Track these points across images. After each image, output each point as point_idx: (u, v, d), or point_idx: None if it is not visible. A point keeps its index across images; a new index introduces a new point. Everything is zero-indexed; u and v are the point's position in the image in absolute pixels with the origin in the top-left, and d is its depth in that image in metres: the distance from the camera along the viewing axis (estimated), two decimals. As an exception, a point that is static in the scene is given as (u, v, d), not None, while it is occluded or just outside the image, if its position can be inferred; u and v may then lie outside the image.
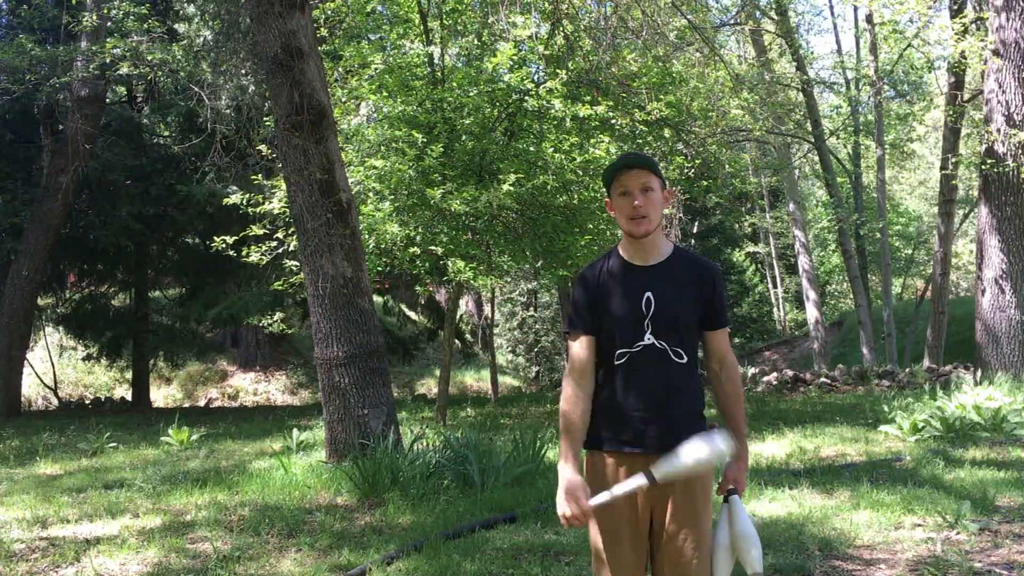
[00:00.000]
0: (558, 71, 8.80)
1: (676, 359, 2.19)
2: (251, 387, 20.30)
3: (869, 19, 15.87)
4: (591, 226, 9.33)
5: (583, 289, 2.30)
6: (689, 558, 2.17)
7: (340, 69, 10.11)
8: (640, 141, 10.02)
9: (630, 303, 2.21)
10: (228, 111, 12.34)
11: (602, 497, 2.16)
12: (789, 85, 16.89)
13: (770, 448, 7.11)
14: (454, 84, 8.69)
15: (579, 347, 2.27)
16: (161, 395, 19.55)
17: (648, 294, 2.20)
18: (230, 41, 11.73)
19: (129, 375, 17.69)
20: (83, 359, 18.32)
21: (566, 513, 2.17)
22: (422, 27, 9.55)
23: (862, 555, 3.95)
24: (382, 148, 8.95)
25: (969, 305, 16.76)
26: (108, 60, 10.84)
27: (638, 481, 2.14)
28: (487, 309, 21.83)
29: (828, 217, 20.09)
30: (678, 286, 2.23)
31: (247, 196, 9.51)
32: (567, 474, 2.19)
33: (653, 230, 2.25)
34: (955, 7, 13.59)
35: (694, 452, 2.11)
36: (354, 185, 8.30)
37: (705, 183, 11.63)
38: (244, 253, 9.61)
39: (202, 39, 12.35)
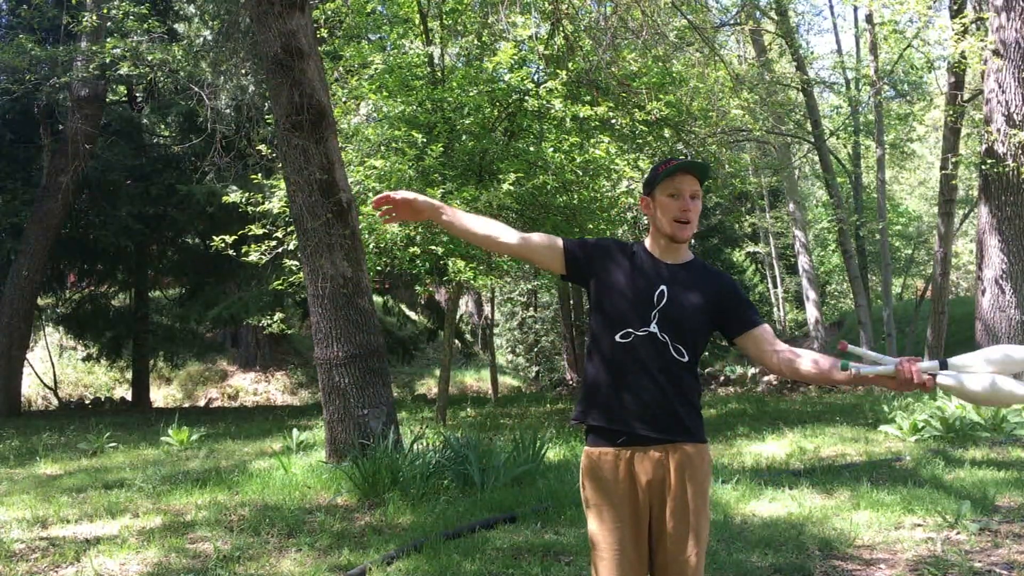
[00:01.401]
0: (558, 71, 8.80)
1: (677, 355, 2.20)
2: (251, 387, 20.30)
3: (869, 19, 15.87)
4: (591, 226, 9.33)
5: (606, 247, 2.33)
6: (687, 556, 2.17)
7: (340, 69, 10.11)
8: (640, 141, 10.02)
9: (644, 289, 2.24)
10: (228, 111, 12.35)
11: (864, 367, 2.05)
12: (789, 85, 16.88)
13: (770, 448, 7.12)
14: (454, 84, 8.69)
15: (549, 239, 2.32)
16: (161, 395, 19.54)
17: (663, 287, 2.23)
18: (230, 41, 11.73)
19: (129, 375, 17.69)
20: (83, 359, 18.32)
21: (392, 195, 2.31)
22: (422, 27, 9.55)
23: (862, 555, 3.95)
24: (382, 148, 8.95)
25: (969, 305, 16.77)
26: (108, 60, 10.85)
27: (929, 364, 1.99)
28: (487, 309, 21.84)
29: (828, 217, 20.09)
30: (692, 291, 2.26)
31: (247, 195, 9.51)
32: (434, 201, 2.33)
33: (689, 238, 2.30)
34: (955, 7, 13.58)
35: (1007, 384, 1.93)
36: (354, 185, 8.30)
37: (705, 183, 11.63)
38: (244, 252, 9.60)
39: (202, 39, 12.36)
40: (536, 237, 2.35)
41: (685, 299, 2.23)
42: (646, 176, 2.38)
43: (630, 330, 2.21)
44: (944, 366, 2.02)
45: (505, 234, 2.33)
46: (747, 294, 2.40)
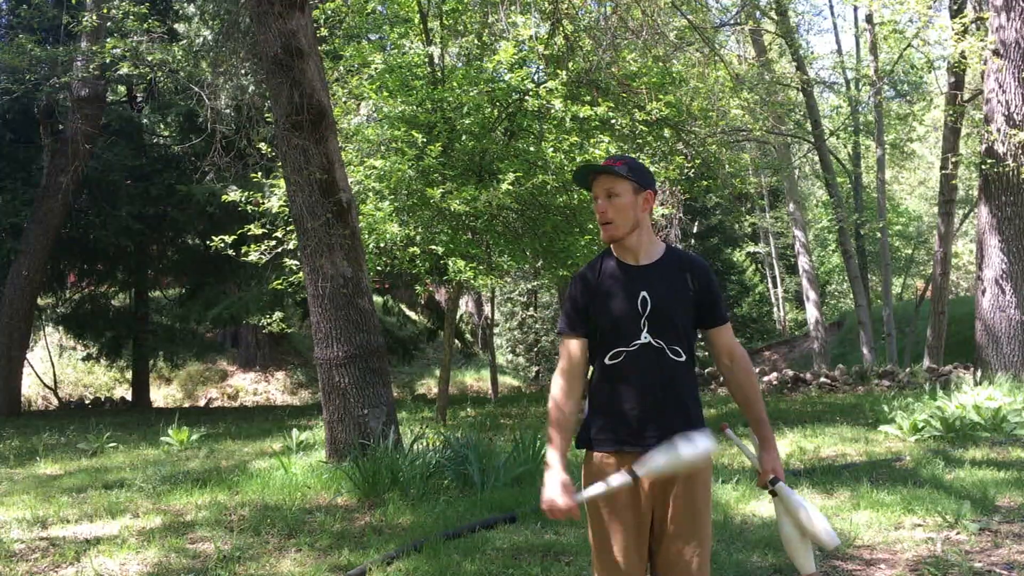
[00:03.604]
0: (558, 71, 8.80)
1: (674, 357, 2.19)
2: (251, 387, 20.30)
3: (869, 19, 15.87)
4: (591, 226, 9.33)
5: (582, 289, 2.29)
6: (690, 559, 2.17)
7: (340, 69, 10.11)
8: (640, 141, 10.02)
9: (626, 302, 2.21)
10: (228, 111, 12.33)
11: (594, 490, 2.16)
12: (789, 85, 16.88)
13: (770, 448, 7.11)
14: (454, 84, 8.69)
15: (574, 347, 2.29)
16: (161, 395, 19.54)
17: (644, 293, 2.20)
18: (230, 41, 11.71)
19: (129, 375, 17.69)
20: (83, 359, 18.32)
21: (557, 503, 2.16)
22: (422, 27, 9.55)
23: (862, 555, 3.95)
24: (382, 148, 8.95)
25: (969, 305, 16.76)
26: (108, 60, 10.84)
27: (622, 479, 2.13)
28: (487, 309, 21.83)
29: (828, 217, 20.09)
30: (672, 285, 2.24)
31: (246, 194, 9.51)
32: (559, 468, 2.20)
33: (620, 236, 2.25)
34: (955, 7, 13.59)
35: (676, 451, 2.11)
36: (354, 185, 8.30)
37: (705, 183, 11.63)
38: (244, 252, 9.60)
39: (202, 39, 12.35)
40: (577, 361, 2.29)
41: (668, 297, 2.21)
42: None
43: (620, 348, 2.19)
44: (775, 482, 2.28)
45: (579, 393, 2.29)
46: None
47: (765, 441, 2.30)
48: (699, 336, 2.38)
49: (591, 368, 2.31)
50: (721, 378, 2.44)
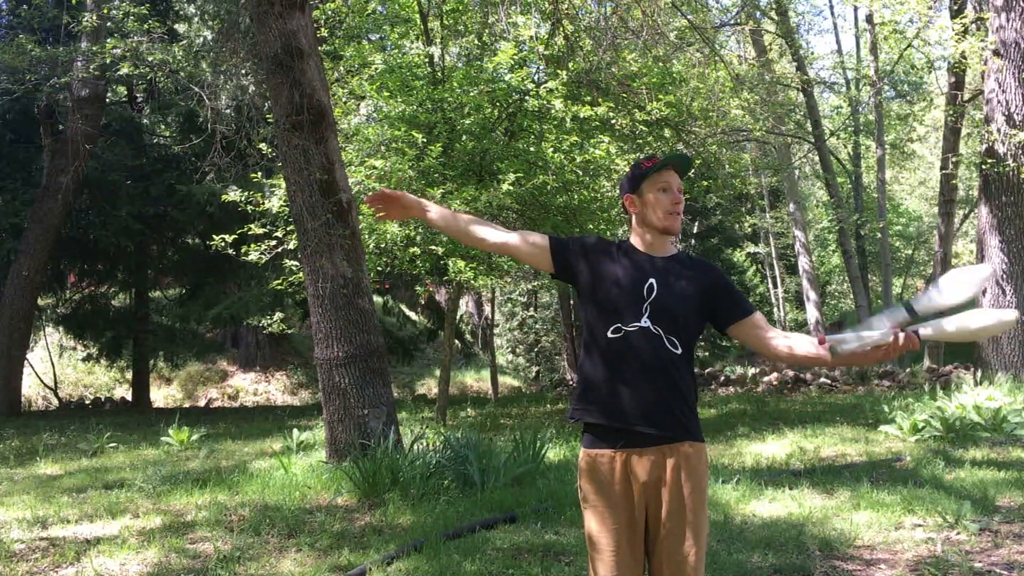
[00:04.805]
0: (558, 71, 8.80)
1: (671, 348, 2.20)
2: (251, 387, 20.29)
3: (869, 19, 15.87)
4: (591, 226, 9.33)
5: (593, 243, 2.35)
6: (686, 555, 2.17)
7: (340, 69, 10.11)
8: (640, 141, 10.02)
9: (633, 283, 2.25)
10: (228, 111, 12.34)
11: (852, 341, 2.08)
12: (789, 85, 16.88)
13: (770, 448, 7.12)
14: (454, 84, 8.69)
15: (537, 241, 2.35)
16: (161, 395, 19.54)
17: (652, 280, 2.24)
18: (230, 41, 11.72)
19: (129, 375, 17.70)
20: (83, 359, 18.32)
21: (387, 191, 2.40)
22: (422, 27, 9.55)
23: (862, 555, 3.95)
24: (382, 148, 8.95)
25: (969, 305, 16.73)
26: (108, 60, 10.84)
27: (896, 317, 2.05)
28: (487, 309, 21.84)
29: (828, 217, 20.11)
30: (680, 283, 2.27)
31: (246, 194, 9.51)
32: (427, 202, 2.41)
33: (678, 231, 2.35)
34: (955, 7, 13.58)
35: (978, 319, 2.01)
36: (354, 185, 8.30)
37: (705, 183, 11.63)
38: (244, 252, 9.60)
39: (202, 39, 12.35)
40: (521, 235, 2.37)
41: (675, 290, 2.25)
42: (628, 175, 2.39)
43: (620, 325, 2.21)
44: (910, 309, 2.08)
45: (490, 232, 2.36)
46: (748, 294, 2.41)
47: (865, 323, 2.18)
48: (698, 336, 2.38)
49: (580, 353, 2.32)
50: (788, 360, 2.36)
